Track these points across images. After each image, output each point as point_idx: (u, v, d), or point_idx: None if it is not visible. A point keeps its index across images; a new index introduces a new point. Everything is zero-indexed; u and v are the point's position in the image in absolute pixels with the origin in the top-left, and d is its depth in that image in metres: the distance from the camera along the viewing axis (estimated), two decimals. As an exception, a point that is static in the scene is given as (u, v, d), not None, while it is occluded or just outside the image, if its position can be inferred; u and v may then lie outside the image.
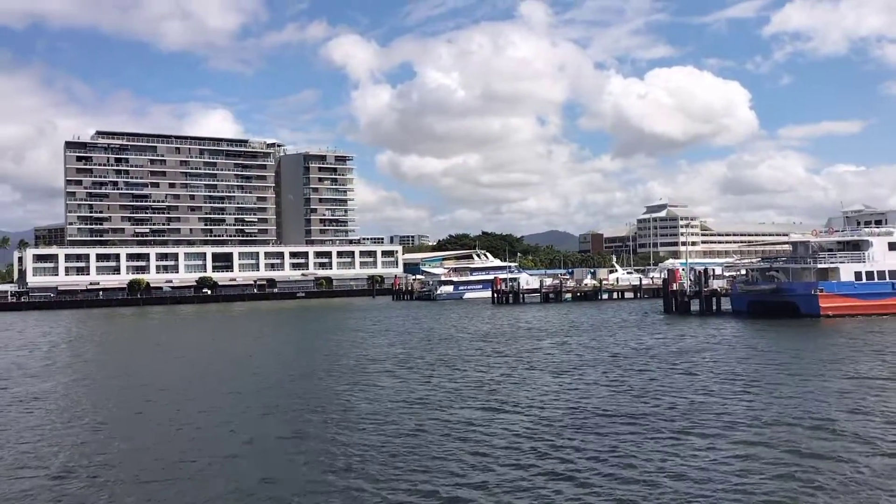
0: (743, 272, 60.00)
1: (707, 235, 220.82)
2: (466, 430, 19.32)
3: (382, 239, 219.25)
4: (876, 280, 50.65)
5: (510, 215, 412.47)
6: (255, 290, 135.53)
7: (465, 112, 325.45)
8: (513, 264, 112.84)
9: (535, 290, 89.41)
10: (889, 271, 50.89)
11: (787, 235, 61.39)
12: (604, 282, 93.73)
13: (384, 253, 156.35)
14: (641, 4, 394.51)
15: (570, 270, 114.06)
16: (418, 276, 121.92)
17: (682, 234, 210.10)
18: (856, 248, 52.30)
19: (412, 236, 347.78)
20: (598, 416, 20.70)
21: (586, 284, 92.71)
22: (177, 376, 32.44)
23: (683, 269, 67.19)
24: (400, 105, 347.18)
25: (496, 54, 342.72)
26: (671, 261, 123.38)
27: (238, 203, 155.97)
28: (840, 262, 50.77)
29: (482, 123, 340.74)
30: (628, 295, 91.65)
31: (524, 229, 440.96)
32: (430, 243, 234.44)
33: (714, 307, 59.93)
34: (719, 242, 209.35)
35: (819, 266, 50.93)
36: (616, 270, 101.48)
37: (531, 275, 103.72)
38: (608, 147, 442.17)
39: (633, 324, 53.44)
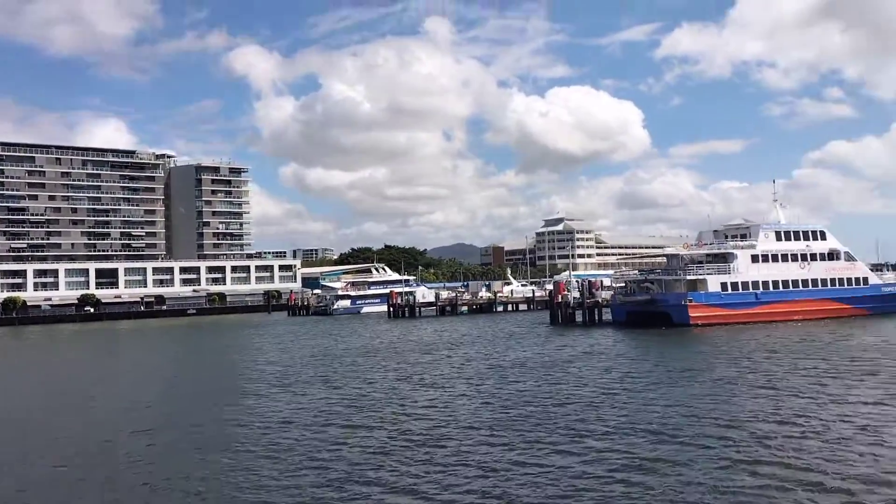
0: (622, 284, 62.69)
1: (601, 248, 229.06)
2: (321, 449, 19.12)
3: (285, 253, 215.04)
4: (740, 290, 54.05)
5: (417, 228, 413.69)
6: (143, 308, 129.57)
7: (372, 125, 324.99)
8: (411, 278, 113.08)
9: (431, 304, 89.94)
10: (752, 282, 54.44)
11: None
12: (498, 294, 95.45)
13: (282, 267, 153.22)
14: (541, 25, 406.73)
15: (465, 284, 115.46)
16: (315, 291, 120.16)
17: (577, 247, 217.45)
18: (723, 260, 55.64)
19: (315, 250, 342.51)
20: (457, 429, 20.98)
21: (481, 297, 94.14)
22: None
23: (569, 282, 69.49)
24: (304, 117, 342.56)
25: (402, 69, 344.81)
26: (567, 273, 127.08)
27: (124, 216, 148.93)
28: (707, 274, 53.88)
29: (389, 137, 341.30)
30: (522, 307, 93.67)
31: (431, 242, 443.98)
32: (334, 257, 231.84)
33: (597, 318, 62.19)
34: (612, 255, 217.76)
35: (688, 278, 53.87)
36: (511, 283, 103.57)
37: (431, 288, 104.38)
38: (512, 162, 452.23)
39: (519, 335, 54.62)
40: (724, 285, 53.74)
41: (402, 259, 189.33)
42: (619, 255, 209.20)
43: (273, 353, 49.42)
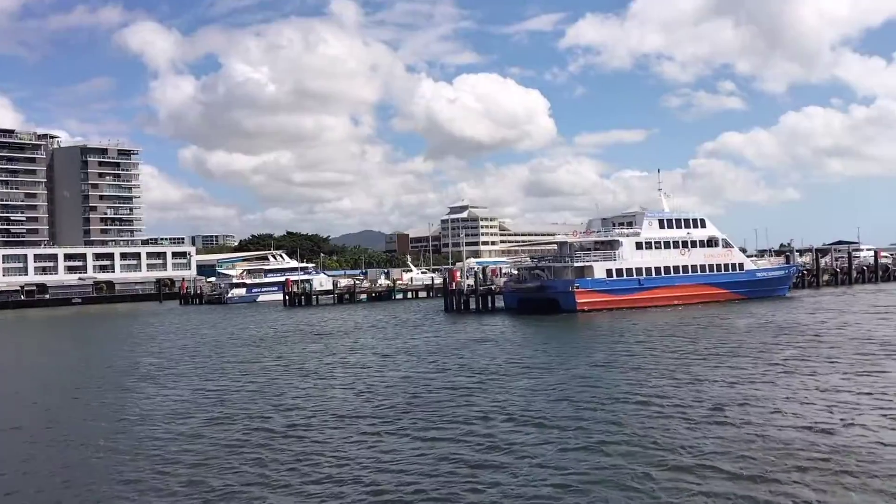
0: (515, 271, 63.65)
1: (505, 235, 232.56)
2: (170, 445, 18.18)
3: (182, 239, 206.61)
4: (625, 277, 55.92)
5: (324, 215, 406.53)
6: (23, 297, 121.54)
7: (276, 108, 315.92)
8: (310, 265, 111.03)
9: (328, 292, 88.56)
10: (636, 268, 56.43)
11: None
12: (398, 282, 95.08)
13: (175, 254, 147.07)
14: (449, 10, 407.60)
15: (363, 271, 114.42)
16: (209, 279, 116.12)
17: (482, 234, 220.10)
18: (609, 247, 57.37)
19: (215, 236, 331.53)
20: (323, 420, 20.47)
21: (380, 285, 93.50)
22: None
23: (472, 268, 70.12)
24: (205, 98, 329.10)
25: (308, 51, 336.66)
26: (472, 260, 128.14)
27: (2, 200, 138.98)
28: (594, 261, 55.44)
29: (294, 120, 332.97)
30: (422, 294, 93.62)
31: (339, 229, 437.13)
32: (235, 244, 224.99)
33: (491, 305, 62.92)
34: (516, 242, 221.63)
35: (575, 265, 55.25)
36: (411, 270, 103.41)
37: (332, 276, 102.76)
38: (421, 149, 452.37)
39: (412, 323, 54.49)
40: (609, 272, 55.43)
41: (306, 246, 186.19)
42: (523, 242, 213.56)
43: (154, 344, 47.25)
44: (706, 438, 16.70)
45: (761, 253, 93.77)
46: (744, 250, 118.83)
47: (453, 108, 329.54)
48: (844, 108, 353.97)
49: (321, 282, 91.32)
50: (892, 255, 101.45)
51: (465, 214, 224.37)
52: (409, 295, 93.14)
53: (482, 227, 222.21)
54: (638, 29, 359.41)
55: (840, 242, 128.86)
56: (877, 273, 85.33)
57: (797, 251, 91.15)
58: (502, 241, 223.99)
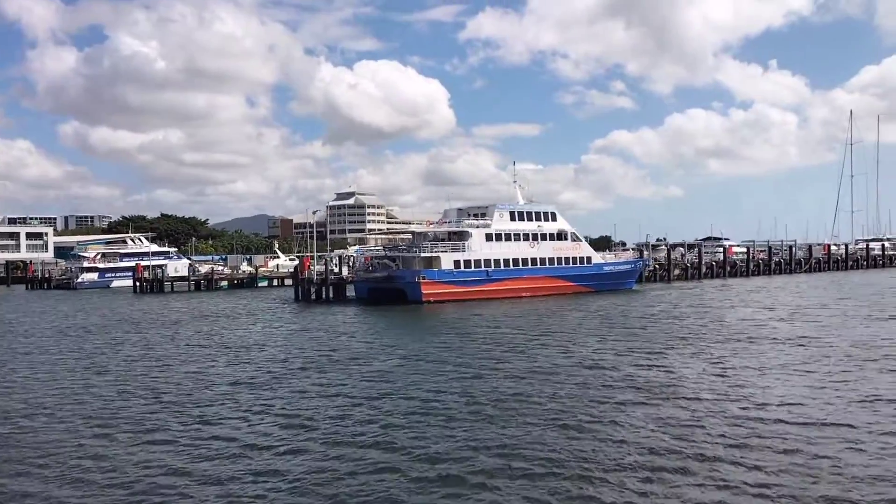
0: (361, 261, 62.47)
1: (393, 223, 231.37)
2: None
3: (54, 219, 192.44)
4: (473, 268, 55.77)
5: (217, 198, 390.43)
6: None
7: (166, 85, 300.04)
8: (172, 250, 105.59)
9: (184, 278, 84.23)
10: (485, 260, 56.40)
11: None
12: (261, 269, 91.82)
13: (30, 235, 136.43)
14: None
15: (223, 257, 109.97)
16: (60, 262, 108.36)
17: (369, 222, 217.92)
18: (459, 238, 57.05)
19: (90, 217, 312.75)
20: (70, 421, 18.34)
21: (242, 272, 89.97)
22: None
23: (326, 258, 68.17)
24: (88, 70, 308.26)
25: (201, 27, 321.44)
26: (357, 247, 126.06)
27: None
28: (441, 252, 54.94)
29: (185, 98, 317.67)
30: (289, 282, 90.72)
31: (232, 212, 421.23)
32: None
33: (343, 295, 61.35)
34: (404, 231, 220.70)
35: (423, 255, 54.60)
36: (279, 257, 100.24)
37: (197, 261, 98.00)
38: (319, 133, 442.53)
39: (255, 313, 52.31)
40: (457, 263, 55.11)
41: (182, 230, 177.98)
42: (407, 231, 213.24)
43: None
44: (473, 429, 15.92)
45: (640, 246, 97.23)
46: (623, 243, 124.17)
47: (353, 93, 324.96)
48: (724, 112, 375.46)
49: (177, 268, 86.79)
50: (748, 248, 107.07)
51: (351, 201, 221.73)
52: (276, 283, 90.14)
53: (369, 214, 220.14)
54: (535, 25, 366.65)
55: (710, 238, 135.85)
56: (725, 268, 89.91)
57: (668, 246, 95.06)
58: (389, 230, 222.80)
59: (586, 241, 65.92)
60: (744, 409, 18.68)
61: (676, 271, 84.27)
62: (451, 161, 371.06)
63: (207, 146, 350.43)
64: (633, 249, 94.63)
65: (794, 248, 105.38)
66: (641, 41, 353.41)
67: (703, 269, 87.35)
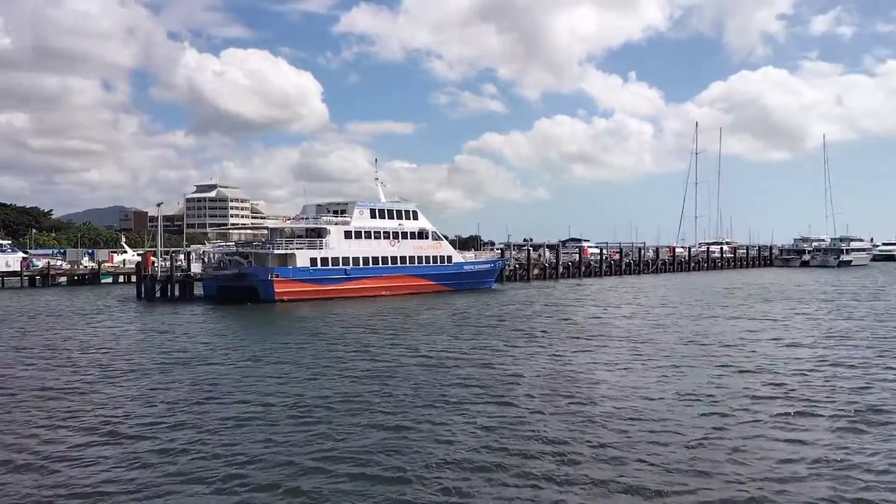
0: (217, 256, 59.65)
1: (258, 218, 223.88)
2: None
3: None
4: (330, 266, 54.53)
5: (68, 187, 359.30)
6: None
7: (10, 64, 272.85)
8: (5, 242, 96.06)
9: (14, 273, 76.83)
10: (343, 258, 55.30)
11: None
12: (105, 264, 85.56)
13: None
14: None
15: (61, 251, 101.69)
16: None
17: (232, 216, 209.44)
18: (317, 235, 55.60)
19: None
20: None
21: (84, 267, 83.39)
22: None
23: (204, 252, 64.26)
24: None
25: (52, 4, 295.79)
26: (200, 246, 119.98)
27: None
28: (297, 249, 53.32)
29: (32, 79, 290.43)
30: (135, 278, 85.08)
31: (86, 203, 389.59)
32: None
33: (190, 292, 58.11)
34: (265, 227, 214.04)
35: (277, 252, 52.77)
36: (126, 252, 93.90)
37: (42, 255, 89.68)
38: (182, 122, 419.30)
39: (94, 311, 48.36)
40: (313, 260, 53.67)
41: (21, 220, 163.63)
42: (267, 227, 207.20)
43: None
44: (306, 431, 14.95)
45: (507, 246, 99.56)
46: (492, 243, 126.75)
47: (220, 81, 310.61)
48: (588, 119, 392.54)
49: (8, 261, 79.04)
50: (601, 249, 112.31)
51: (213, 194, 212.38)
52: (122, 279, 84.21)
53: (233, 208, 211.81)
54: (410, 24, 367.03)
55: (572, 239, 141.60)
56: (580, 269, 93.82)
57: (529, 246, 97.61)
58: (254, 225, 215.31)
59: (456, 240, 66.51)
60: (572, 404, 19.07)
61: (535, 271, 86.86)
62: (323, 156, 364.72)
63: (58, 131, 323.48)
64: (502, 249, 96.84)
65: (642, 250, 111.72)
66: (512, 47, 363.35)
67: (561, 270, 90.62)
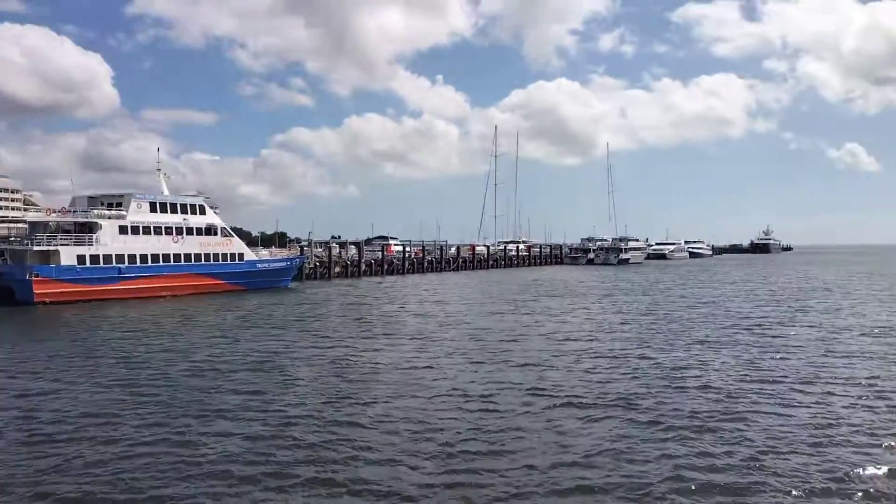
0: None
1: (34, 210, 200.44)
2: None
3: None
4: (102, 264, 49.32)
5: None
6: None
7: None
8: None
9: None
10: (117, 255, 50.28)
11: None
12: None
13: None
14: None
15: None
16: None
17: (0, 208, 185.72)
18: (89, 230, 50.05)
19: None
20: None
21: None
22: None
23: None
24: None
25: None
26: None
27: None
28: (62, 245, 47.63)
29: None
30: None
31: None
32: None
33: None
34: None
35: (36, 248, 46.81)
36: None
37: None
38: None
39: None
40: (81, 258, 48.21)
41: None
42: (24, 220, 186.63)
43: None
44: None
45: (309, 244, 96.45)
46: (298, 240, 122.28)
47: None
48: (398, 118, 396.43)
49: None
50: (403, 247, 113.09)
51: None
52: None
53: (1, 199, 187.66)
54: (212, 10, 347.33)
55: (380, 237, 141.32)
56: (383, 266, 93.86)
57: (331, 244, 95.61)
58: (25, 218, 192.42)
59: (259, 237, 62.99)
60: (345, 407, 18.30)
61: (337, 269, 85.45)
62: (114, 145, 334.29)
63: None
64: (302, 246, 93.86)
65: (444, 248, 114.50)
66: (321, 42, 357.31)
67: (363, 267, 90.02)
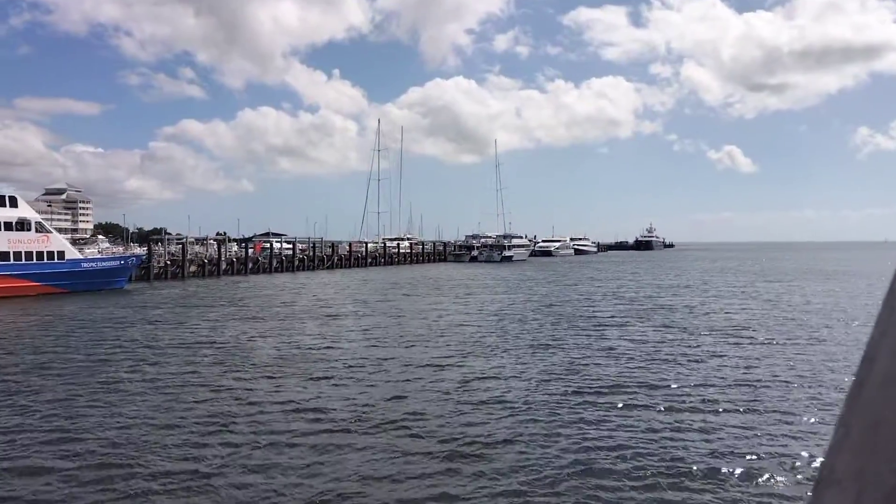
0: None
1: None
2: None
3: None
4: None
5: None
6: None
7: None
8: None
9: None
10: None
11: None
12: None
13: None
14: None
15: None
16: None
17: None
18: None
19: None
20: None
21: None
22: None
23: None
24: None
25: None
26: None
27: None
28: None
29: None
30: None
31: None
32: None
33: None
34: None
35: None
36: None
37: None
38: None
39: None
40: None
41: None
42: None
43: None
44: None
45: (199, 241, 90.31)
46: (178, 236, 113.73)
47: None
48: (294, 113, 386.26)
49: None
50: (270, 244, 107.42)
51: None
52: None
53: None
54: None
55: (269, 233, 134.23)
56: (246, 265, 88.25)
57: (185, 241, 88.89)
58: None
59: (137, 232, 56.38)
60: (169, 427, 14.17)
61: (193, 268, 79.40)
62: None
63: None
64: (164, 244, 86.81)
65: (317, 246, 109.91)
66: (212, 32, 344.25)
67: (224, 266, 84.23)
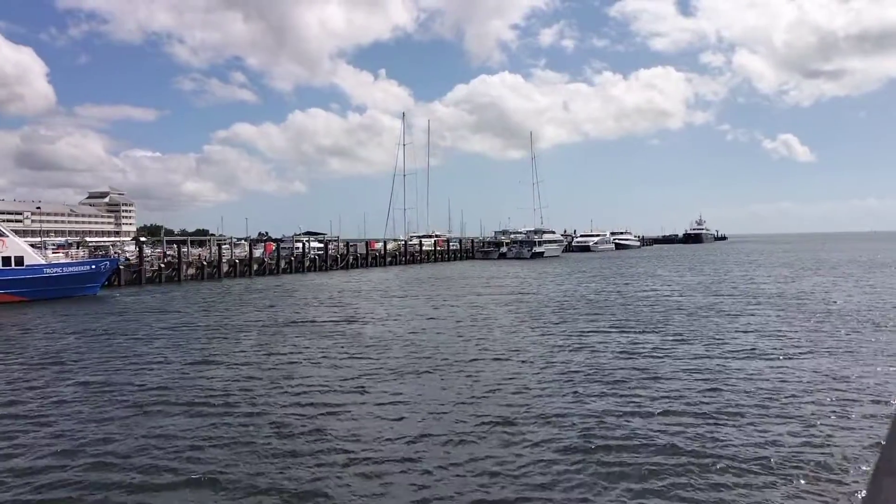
0: None
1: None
2: None
3: None
4: None
5: None
6: None
7: None
8: None
9: None
10: None
11: None
12: None
13: None
14: None
15: None
16: None
17: None
18: None
19: None
20: None
21: None
22: None
23: None
24: None
25: None
26: None
27: None
28: None
29: None
30: None
31: None
32: None
33: None
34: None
35: None
36: None
37: None
38: None
39: None
40: None
41: None
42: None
43: None
44: None
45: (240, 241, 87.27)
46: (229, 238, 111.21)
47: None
48: (342, 113, 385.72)
49: None
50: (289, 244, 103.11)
51: None
52: None
53: None
54: (146, 4, 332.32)
55: (309, 233, 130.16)
56: (251, 267, 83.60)
57: (198, 241, 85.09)
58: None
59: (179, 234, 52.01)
60: None
61: (191, 270, 75.11)
62: (50, 142, 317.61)
63: None
64: (162, 245, 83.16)
65: (338, 244, 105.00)
66: (261, 36, 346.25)
67: (226, 268, 79.76)
